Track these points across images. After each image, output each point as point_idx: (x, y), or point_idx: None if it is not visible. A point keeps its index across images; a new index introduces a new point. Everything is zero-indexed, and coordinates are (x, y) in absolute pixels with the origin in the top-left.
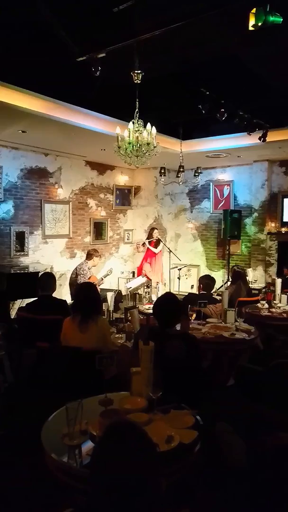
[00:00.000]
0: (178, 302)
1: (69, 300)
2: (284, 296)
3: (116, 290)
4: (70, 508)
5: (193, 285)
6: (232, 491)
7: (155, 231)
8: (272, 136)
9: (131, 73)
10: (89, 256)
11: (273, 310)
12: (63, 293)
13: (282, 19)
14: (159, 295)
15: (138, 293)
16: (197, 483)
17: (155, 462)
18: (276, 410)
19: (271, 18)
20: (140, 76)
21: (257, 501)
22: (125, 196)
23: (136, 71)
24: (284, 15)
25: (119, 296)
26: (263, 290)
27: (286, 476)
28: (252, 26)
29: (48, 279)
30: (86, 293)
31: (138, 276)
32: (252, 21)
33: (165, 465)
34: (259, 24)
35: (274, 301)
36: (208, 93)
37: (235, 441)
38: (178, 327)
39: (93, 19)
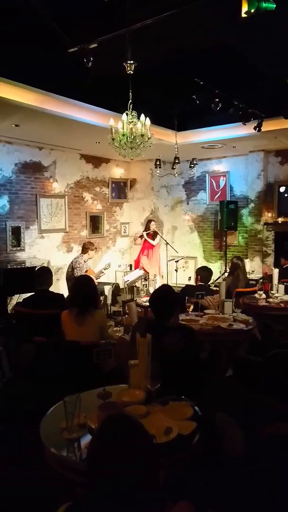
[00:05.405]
0: (174, 294)
1: (66, 294)
2: (281, 286)
3: (114, 283)
4: (69, 502)
5: (190, 277)
6: (231, 481)
7: (152, 223)
8: (268, 126)
9: (124, 64)
10: (84, 249)
11: (271, 300)
12: (61, 287)
13: (275, 5)
14: (157, 287)
15: (135, 286)
16: (196, 474)
17: (151, 454)
18: (274, 399)
19: (264, 5)
20: (133, 67)
21: (255, 490)
22: (121, 189)
23: (128, 62)
24: (277, 1)
25: (116, 290)
26: (260, 280)
27: (283, 466)
28: (245, 13)
29: (45, 274)
30: (82, 287)
31: (135, 269)
32: (245, 7)
33: (164, 457)
34: (252, 10)
35: (272, 291)
36: (202, 83)
37: (234, 431)
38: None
39: (84, 9)
